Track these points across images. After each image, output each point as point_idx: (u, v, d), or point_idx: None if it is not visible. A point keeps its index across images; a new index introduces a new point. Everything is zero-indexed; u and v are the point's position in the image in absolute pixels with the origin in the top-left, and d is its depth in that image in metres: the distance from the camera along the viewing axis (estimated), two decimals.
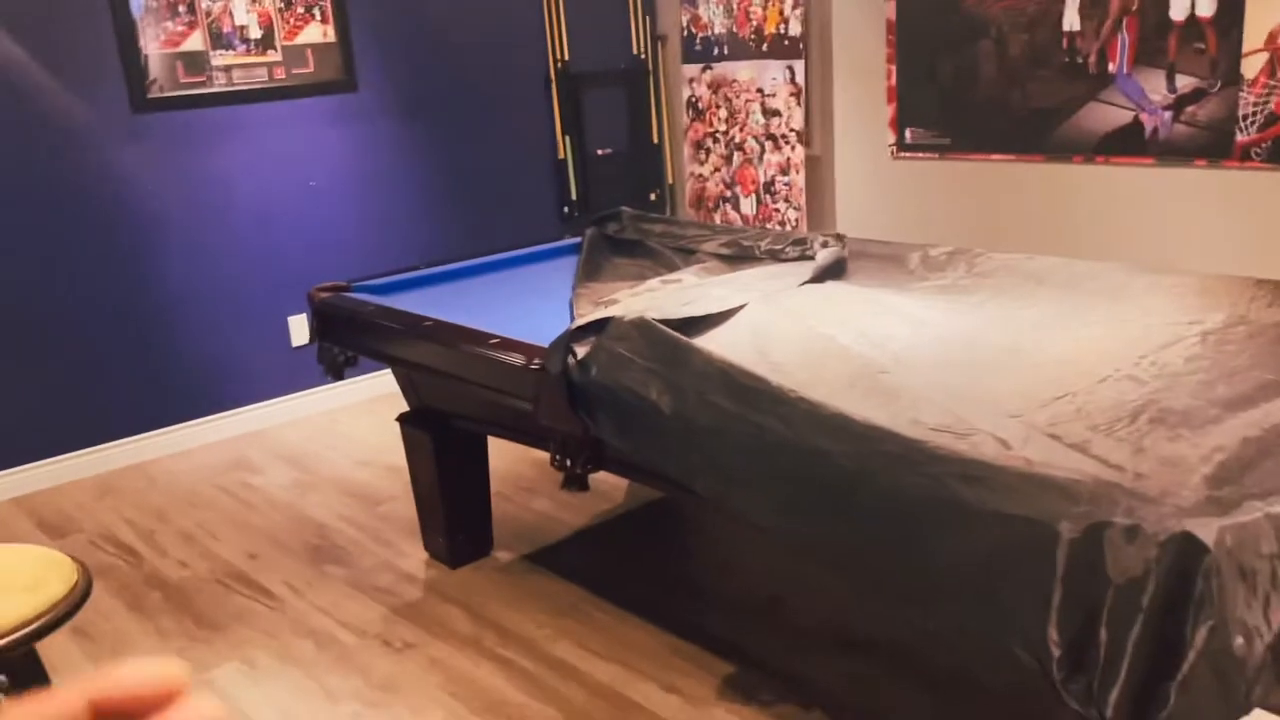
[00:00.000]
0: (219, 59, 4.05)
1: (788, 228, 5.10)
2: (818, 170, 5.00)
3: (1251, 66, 3.50)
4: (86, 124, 3.77)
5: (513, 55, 4.95)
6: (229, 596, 2.95)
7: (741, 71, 5.11)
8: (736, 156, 5.26)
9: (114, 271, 3.89)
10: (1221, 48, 3.56)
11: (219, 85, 4.06)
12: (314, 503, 3.54)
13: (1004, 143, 4.26)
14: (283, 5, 4.17)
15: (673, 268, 3.08)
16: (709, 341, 2.21)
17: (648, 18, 5.38)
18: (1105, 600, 1.27)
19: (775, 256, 2.94)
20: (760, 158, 5.14)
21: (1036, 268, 2.58)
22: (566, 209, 5.28)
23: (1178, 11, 3.63)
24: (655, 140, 5.57)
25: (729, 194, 5.34)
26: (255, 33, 4.14)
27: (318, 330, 2.82)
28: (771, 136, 5.07)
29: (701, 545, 3.19)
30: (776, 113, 5.01)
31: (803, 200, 4.99)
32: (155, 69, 3.89)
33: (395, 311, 2.63)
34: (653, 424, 1.87)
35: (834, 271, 2.68)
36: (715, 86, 5.27)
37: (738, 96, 5.17)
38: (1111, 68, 3.84)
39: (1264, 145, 3.52)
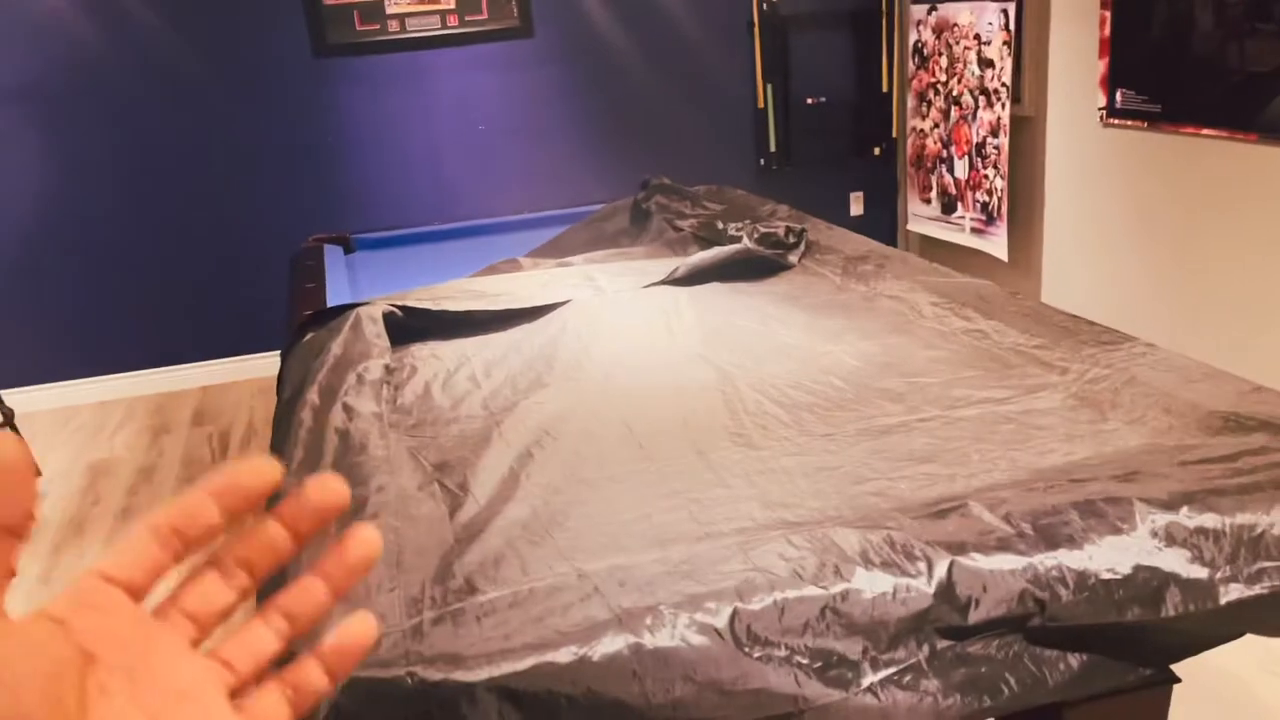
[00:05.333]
0: (393, 7, 4.37)
1: (994, 199, 4.46)
2: (1028, 132, 4.27)
3: None
4: (271, 68, 4.29)
5: None
6: None
7: (962, 14, 4.48)
8: (954, 112, 4.65)
9: (294, 203, 4.42)
10: None
11: (393, 33, 4.39)
12: None
13: (1215, 114, 3.34)
14: None
15: (661, 239, 2.90)
16: (488, 339, 2.10)
17: None
18: None
19: (748, 240, 2.63)
20: (974, 115, 4.50)
21: (951, 287, 2.07)
22: (764, 161, 5.02)
23: None
24: (885, 89, 5.06)
25: (945, 154, 4.75)
26: None
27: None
28: (985, 90, 4.41)
29: None
30: (990, 63, 4.34)
31: (1005, 167, 4.31)
32: (333, 18, 4.30)
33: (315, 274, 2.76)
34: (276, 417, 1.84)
35: (723, 272, 2.35)
36: (939, 30, 4.67)
37: (958, 43, 4.55)
38: None
39: None
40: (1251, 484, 1.21)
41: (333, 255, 2.97)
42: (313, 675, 0.39)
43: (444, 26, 4.44)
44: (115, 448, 3.87)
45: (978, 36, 4.38)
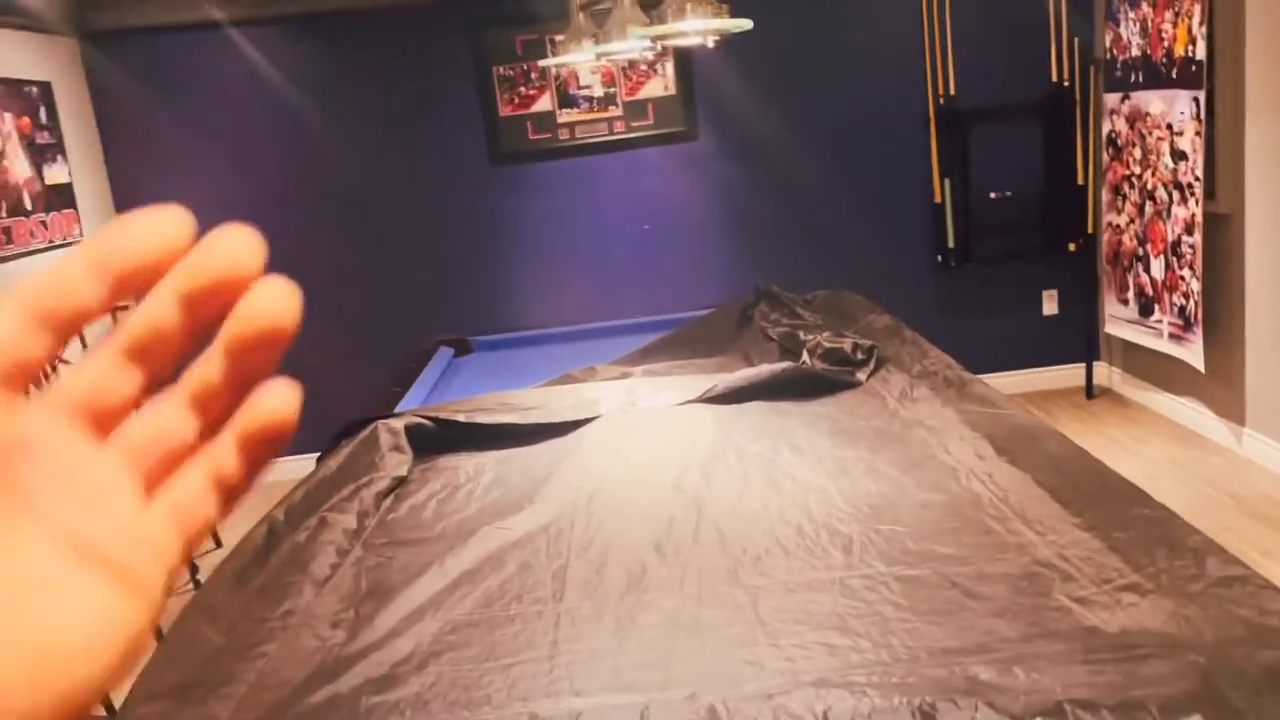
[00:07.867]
0: (564, 116, 4.60)
1: (1190, 303, 4.04)
2: (1225, 230, 3.85)
3: None
4: (453, 176, 4.62)
5: (879, 95, 4.65)
6: None
7: (1154, 103, 4.14)
8: (1148, 206, 4.28)
9: (467, 302, 4.69)
10: None
11: (563, 140, 4.61)
12: None
13: None
14: (626, 64, 4.55)
15: (751, 348, 2.85)
16: (512, 454, 2.15)
17: (1075, 39, 4.59)
18: None
19: (810, 356, 2.54)
20: (1169, 210, 4.12)
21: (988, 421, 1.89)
22: (941, 258, 4.80)
23: None
24: (1080, 181, 4.73)
25: (1140, 252, 4.37)
26: (598, 91, 4.59)
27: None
28: (1179, 184, 4.03)
29: None
30: (1184, 155, 3.97)
31: (1199, 268, 3.90)
32: (508, 128, 4.58)
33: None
34: None
35: (779, 389, 2.26)
36: (1132, 120, 4.33)
37: (1150, 133, 4.20)
38: None
39: None
40: (1138, 700, 1.02)
41: (441, 358, 3.13)
42: (230, 465, 0.31)
43: (611, 132, 4.61)
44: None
45: (1170, 126, 4.03)
